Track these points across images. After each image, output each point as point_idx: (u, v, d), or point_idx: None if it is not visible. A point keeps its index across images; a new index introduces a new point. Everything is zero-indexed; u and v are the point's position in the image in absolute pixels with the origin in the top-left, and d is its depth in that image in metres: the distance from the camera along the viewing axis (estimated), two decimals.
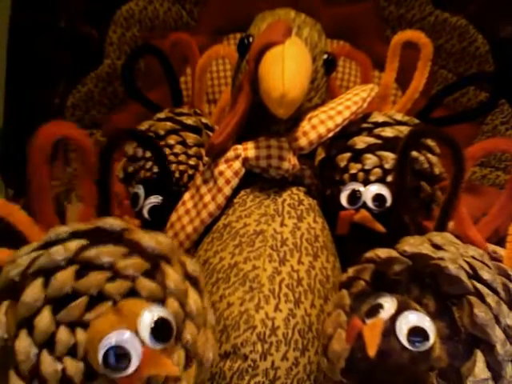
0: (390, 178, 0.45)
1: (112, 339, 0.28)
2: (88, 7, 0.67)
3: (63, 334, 0.29)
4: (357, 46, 0.68)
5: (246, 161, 0.45)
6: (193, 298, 0.32)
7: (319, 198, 0.48)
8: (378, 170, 0.45)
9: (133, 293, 0.30)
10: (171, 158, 0.51)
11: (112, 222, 0.32)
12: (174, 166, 0.51)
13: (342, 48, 0.69)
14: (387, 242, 0.36)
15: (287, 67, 0.40)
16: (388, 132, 0.47)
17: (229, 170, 0.45)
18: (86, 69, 0.67)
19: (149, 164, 0.50)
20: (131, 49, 0.67)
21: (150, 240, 0.31)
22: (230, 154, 0.46)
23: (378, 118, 0.48)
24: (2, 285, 0.30)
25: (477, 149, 0.41)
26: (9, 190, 0.65)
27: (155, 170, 0.50)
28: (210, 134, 0.53)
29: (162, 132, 0.52)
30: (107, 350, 0.28)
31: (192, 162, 0.51)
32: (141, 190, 0.49)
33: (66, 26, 0.66)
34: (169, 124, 0.53)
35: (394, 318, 0.31)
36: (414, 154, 0.45)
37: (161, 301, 0.31)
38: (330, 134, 0.46)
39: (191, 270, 0.33)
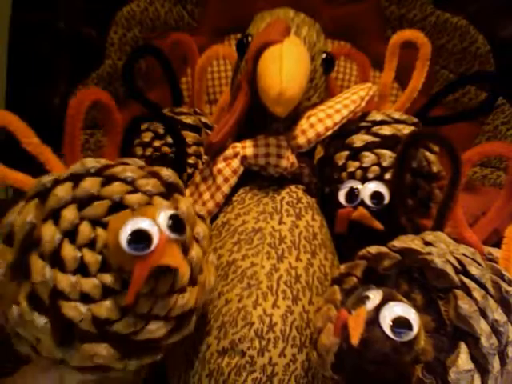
0: (387, 176, 0.45)
1: (134, 222, 0.30)
2: (88, 8, 0.67)
3: (85, 228, 0.31)
4: (357, 46, 0.69)
5: (244, 159, 0.45)
6: (201, 226, 0.36)
7: (318, 196, 0.48)
8: (375, 168, 0.45)
9: None
10: (171, 156, 0.51)
11: (135, 159, 0.36)
12: None
13: (342, 48, 0.69)
14: (385, 240, 0.36)
15: (285, 66, 0.40)
16: (386, 130, 0.47)
17: (227, 168, 0.45)
18: (85, 69, 0.67)
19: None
20: (132, 49, 0.67)
21: (167, 171, 0.35)
22: (229, 152, 0.46)
23: (376, 116, 0.48)
24: (34, 189, 0.33)
25: (474, 153, 0.41)
26: (9, 189, 0.65)
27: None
28: (210, 132, 0.53)
29: (161, 131, 0.52)
30: (129, 232, 0.30)
31: (191, 160, 0.52)
32: None
33: (66, 27, 0.67)
34: None
35: (378, 308, 0.31)
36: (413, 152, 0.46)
37: None
38: (329, 133, 0.46)
39: (198, 210, 0.37)
